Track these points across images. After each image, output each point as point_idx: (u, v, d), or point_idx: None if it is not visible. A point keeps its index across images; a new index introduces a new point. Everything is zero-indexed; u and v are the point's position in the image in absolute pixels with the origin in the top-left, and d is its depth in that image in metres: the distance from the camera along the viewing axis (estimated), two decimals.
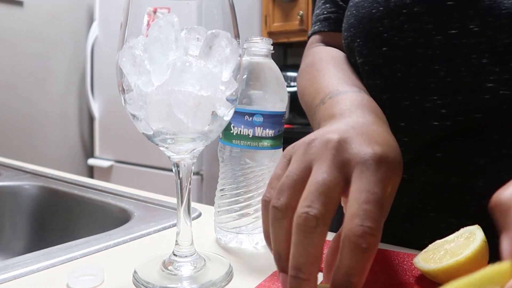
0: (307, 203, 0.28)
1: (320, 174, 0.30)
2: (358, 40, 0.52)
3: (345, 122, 0.36)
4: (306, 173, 0.31)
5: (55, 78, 2.39)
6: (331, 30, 0.63)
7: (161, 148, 0.38)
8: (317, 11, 0.66)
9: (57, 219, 0.69)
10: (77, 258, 0.43)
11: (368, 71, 0.52)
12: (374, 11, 0.50)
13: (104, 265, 0.40)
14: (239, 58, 0.38)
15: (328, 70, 0.52)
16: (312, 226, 0.28)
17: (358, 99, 0.42)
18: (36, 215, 0.71)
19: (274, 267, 0.41)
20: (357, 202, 0.28)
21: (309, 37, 0.67)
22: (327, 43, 0.64)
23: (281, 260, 0.31)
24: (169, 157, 0.39)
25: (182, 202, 0.40)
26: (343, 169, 0.30)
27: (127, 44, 0.36)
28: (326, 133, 0.33)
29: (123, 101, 0.37)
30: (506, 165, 0.44)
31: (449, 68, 0.45)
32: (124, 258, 0.44)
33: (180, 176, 0.39)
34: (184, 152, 0.38)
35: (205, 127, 0.36)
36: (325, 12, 0.64)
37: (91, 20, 2.45)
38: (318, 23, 0.65)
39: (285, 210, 0.30)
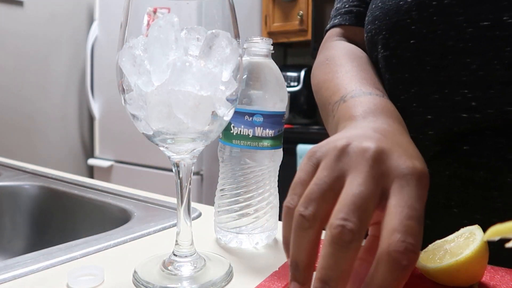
0: (343, 216, 0.27)
1: (357, 186, 0.28)
2: (384, 33, 0.51)
3: (372, 128, 0.34)
4: (338, 183, 0.29)
5: (55, 78, 2.39)
6: (352, 24, 0.62)
7: (161, 148, 0.38)
8: (337, 5, 0.65)
9: (57, 219, 0.69)
10: (77, 258, 0.43)
11: (396, 64, 0.51)
12: (401, 3, 0.49)
13: (104, 265, 0.40)
14: (239, 58, 0.38)
15: (351, 68, 0.51)
16: (347, 241, 0.26)
17: (382, 103, 0.41)
18: (36, 215, 0.71)
19: (274, 267, 0.42)
20: (398, 217, 0.27)
21: (327, 31, 0.66)
22: (347, 38, 0.63)
23: (298, 270, 0.29)
24: (169, 157, 0.39)
25: (182, 202, 0.40)
26: (380, 182, 0.29)
27: (127, 44, 0.36)
28: (361, 139, 0.31)
29: (123, 101, 0.37)
30: None
31: (481, 61, 0.44)
32: (124, 258, 0.44)
33: (180, 176, 0.39)
34: (184, 152, 0.38)
35: (205, 127, 0.36)
36: (347, 6, 0.63)
37: (91, 20, 2.45)
38: (339, 16, 0.63)
39: (313, 221, 0.29)
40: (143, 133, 0.38)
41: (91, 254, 0.45)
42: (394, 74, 0.51)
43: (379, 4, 0.52)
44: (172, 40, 0.34)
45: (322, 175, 0.30)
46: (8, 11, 2.12)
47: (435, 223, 0.50)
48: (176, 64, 0.34)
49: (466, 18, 0.44)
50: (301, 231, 0.29)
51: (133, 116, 0.37)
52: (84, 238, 0.48)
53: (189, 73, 0.34)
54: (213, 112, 0.36)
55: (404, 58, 0.50)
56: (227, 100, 0.37)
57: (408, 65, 0.49)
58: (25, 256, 0.42)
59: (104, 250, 0.46)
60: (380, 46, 0.52)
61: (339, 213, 0.27)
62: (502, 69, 0.43)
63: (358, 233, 0.27)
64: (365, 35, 0.56)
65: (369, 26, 0.55)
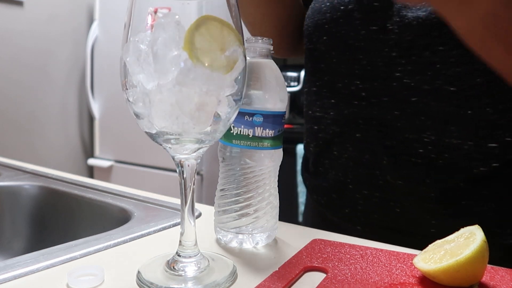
0: None
1: None
2: (310, 29, 0.61)
3: None
4: None
5: (55, 78, 2.39)
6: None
7: (165, 148, 0.38)
8: None
9: (57, 219, 0.69)
10: (77, 258, 0.43)
11: (316, 56, 0.61)
12: (323, 5, 0.59)
13: (104, 265, 0.40)
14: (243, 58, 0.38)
15: None
16: None
17: None
18: (36, 215, 0.71)
19: (274, 267, 0.42)
20: None
21: None
22: None
23: None
24: (173, 157, 0.39)
25: (186, 202, 0.40)
26: None
27: (133, 38, 0.36)
28: None
29: (126, 100, 0.37)
30: (407, 148, 0.53)
31: (369, 58, 0.54)
32: (124, 258, 0.44)
33: (184, 176, 0.39)
34: (188, 152, 0.38)
35: (207, 128, 0.36)
36: None
37: (91, 20, 2.44)
38: None
39: None
40: (146, 132, 0.38)
41: (91, 254, 0.45)
42: (314, 64, 0.62)
43: (312, 5, 0.63)
44: (177, 40, 0.34)
45: None
46: (8, 11, 2.11)
47: (339, 197, 0.61)
48: (181, 64, 0.34)
49: (361, 22, 0.54)
50: None
51: (136, 114, 0.37)
52: (84, 238, 0.48)
53: (194, 72, 0.34)
54: (216, 113, 0.36)
55: (321, 51, 0.60)
56: (232, 100, 0.37)
57: (323, 58, 0.60)
58: (25, 256, 0.42)
59: (104, 250, 0.46)
60: (307, 40, 0.63)
61: None
62: (383, 66, 0.53)
63: None
64: (304, 29, 0.65)
65: (304, 22, 0.64)
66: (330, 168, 0.61)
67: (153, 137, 0.38)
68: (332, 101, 0.58)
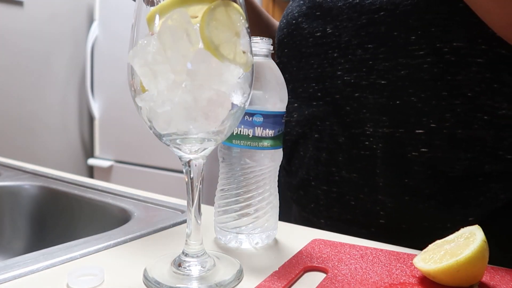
0: None
1: None
2: (276, 46, 0.70)
3: None
4: None
5: (55, 78, 2.39)
6: None
7: (173, 148, 0.38)
8: None
9: (57, 219, 0.69)
10: (77, 258, 0.43)
11: (282, 68, 0.65)
12: (281, 23, 0.68)
13: (104, 265, 0.40)
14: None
15: None
16: None
17: None
18: (36, 215, 0.71)
19: (274, 267, 0.42)
20: None
21: None
22: None
23: None
24: (180, 157, 0.39)
25: (193, 202, 0.39)
26: None
27: (140, 41, 0.35)
28: None
29: (134, 101, 0.37)
30: (355, 142, 0.58)
31: (318, 61, 0.60)
32: (124, 258, 0.44)
33: (191, 176, 0.39)
34: (195, 152, 0.38)
35: (224, 118, 0.36)
36: None
37: (91, 20, 2.44)
38: None
39: None
40: (153, 133, 0.37)
41: (91, 254, 0.45)
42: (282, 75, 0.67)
43: (280, 22, 0.70)
44: (185, 35, 0.34)
45: None
46: (8, 11, 2.11)
47: (305, 194, 0.66)
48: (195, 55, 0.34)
49: (308, 31, 0.62)
50: None
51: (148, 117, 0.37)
52: (84, 238, 0.48)
53: (207, 64, 0.34)
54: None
55: (284, 63, 0.67)
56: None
57: (286, 68, 0.66)
58: (25, 256, 0.42)
59: (104, 250, 0.46)
60: (276, 56, 0.71)
61: None
62: (328, 67, 0.59)
63: None
64: None
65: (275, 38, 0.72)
66: (299, 167, 0.66)
67: (159, 137, 0.38)
68: (295, 105, 0.65)
